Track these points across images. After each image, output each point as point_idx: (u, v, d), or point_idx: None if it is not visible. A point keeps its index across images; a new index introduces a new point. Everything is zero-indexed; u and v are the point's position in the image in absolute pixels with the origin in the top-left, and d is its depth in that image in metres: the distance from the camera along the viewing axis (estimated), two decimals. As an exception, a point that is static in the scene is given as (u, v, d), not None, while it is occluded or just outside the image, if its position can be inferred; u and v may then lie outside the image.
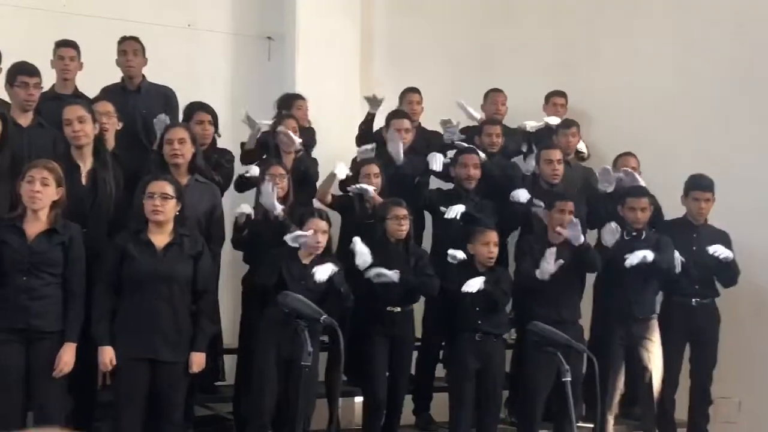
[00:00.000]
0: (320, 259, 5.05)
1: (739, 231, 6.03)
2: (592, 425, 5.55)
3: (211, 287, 4.81)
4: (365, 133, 6.54)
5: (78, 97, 5.61)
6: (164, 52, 6.50)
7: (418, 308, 5.75)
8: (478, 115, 6.76)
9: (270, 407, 4.98)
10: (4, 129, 4.76)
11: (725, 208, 6.04)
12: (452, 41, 7.75)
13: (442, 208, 5.87)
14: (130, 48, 6.02)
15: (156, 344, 4.54)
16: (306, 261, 5.06)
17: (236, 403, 5.56)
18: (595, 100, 7.27)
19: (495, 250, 5.49)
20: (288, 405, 4.91)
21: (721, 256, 5.80)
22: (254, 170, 5.67)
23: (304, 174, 5.84)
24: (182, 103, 6.04)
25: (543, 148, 6.33)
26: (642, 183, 6.05)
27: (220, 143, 6.01)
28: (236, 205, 5.54)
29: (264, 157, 5.91)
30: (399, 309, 5.44)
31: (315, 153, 6.39)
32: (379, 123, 6.55)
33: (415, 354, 5.88)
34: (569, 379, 4.13)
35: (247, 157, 6.11)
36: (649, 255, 5.59)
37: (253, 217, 5.36)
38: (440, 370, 6.01)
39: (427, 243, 6.17)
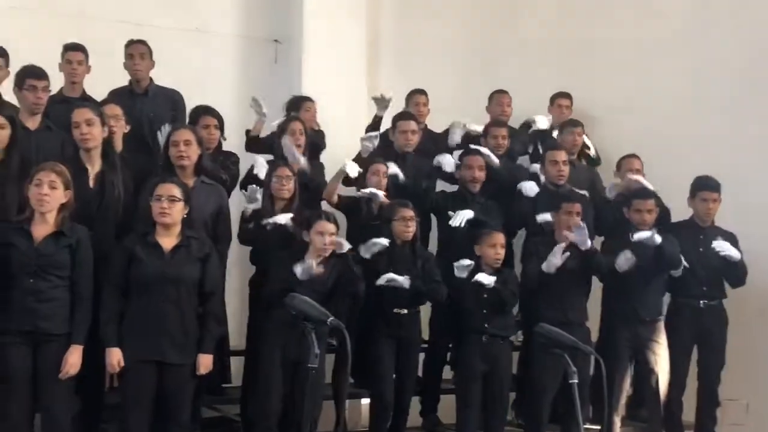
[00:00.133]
0: (327, 261, 5.05)
1: (745, 233, 6.02)
2: (599, 427, 5.55)
3: (218, 289, 4.82)
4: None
5: (86, 100, 5.63)
6: (172, 55, 6.53)
7: (425, 310, 5.75)
8: (480, 128, 6.71)
9: (276, 409, 4.99)
10: (14, 132, 4.78)
11: (732, 209, 6.03)
12: (458, 43, 7.77)
13: (450, 213, 5.86)
14: (137, 51, 6.05)
15: (163, 346, 4.55)
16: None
17: (243, 405, 5.57)
18: (601, 101, 7.26)
19: (502, 252, 5.50)
20: (295, 407, 4.92)
21: (721, 253, 5.78)
22: (260, 162, 5.65)
23: (306, 186, 5.77)
24: (189, 106, 6.07)
25: (548, 149, 6.34)
26: (649, 186, 6.02)
27: (228, 146, 6.03)
28: (241, 207, 5.53)
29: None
30: (406, 311, 5.45)
31: (321, 155, 6.39)
32: (386, 124, 6.55)
33: (422, 356, 5.89)
34: (576, 381, 4.12)
35: (252, 144, 6.13)
36: (657, 237, 5.58)
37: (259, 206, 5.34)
38: (447, 372, 6.02)
39: (432, 244, 6.18)
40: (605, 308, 5.94)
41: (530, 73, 7.44)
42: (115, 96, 5.84)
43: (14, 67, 5.35)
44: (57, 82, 5.62)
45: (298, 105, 6.42)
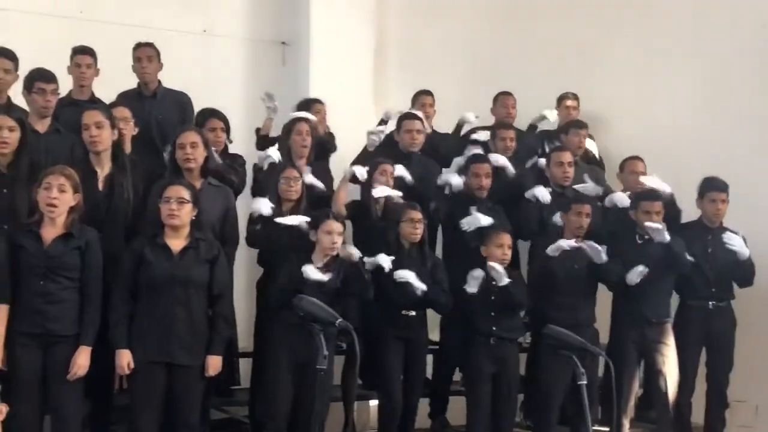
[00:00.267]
0: (334, 261, 5.06)
1: (752, 234, 6.00)
2: (607, 429, 5.54)
3: (226, 291, 4.83)
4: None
5: (94, 102, 5.65)
6: (180, 58, 6.55)
7: (433, 311, 5.74)
8: (485, 136, 6.68)
9: (285, 411, 4.99)
10: (23, 135, 4.79)
11: (739, 211, 6.02)
12: (465, 45, 7.78)
13: (462, 223, 5.76)
14: (144, 54, 6.07)
15: (172, 348, 4.56)
16: (320, 264, 5.06)
17: (252, 407, 5.58)
18: (607, 103, 7.26)
19: (509, 253, 5.49)
20: (303, 409, 4.92)
21: (731, 247, 5.76)
22: (272, 152, 5.67)
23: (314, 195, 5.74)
24: (197, 108, 6.08)
25: (553, 151, 6.33)
26: (667, 188, 5.93)
27: (235, 148, 6.04)
28: (249, 208, 5.52)
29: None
30: (413, 312, 5.46)
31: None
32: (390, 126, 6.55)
33: (429, 357, 5.89)
34: (585, 382, 4.11)
35: (262, 143, 6.15)
36: (667, 234, 5.57)
37: (271, 210, 5.34)
38: (457, 374, 6.01)
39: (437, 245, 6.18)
40: (613, 310, 5.93)
41: (535, 75, 7.44)
42: (124, 98, 5.87)
43: (23, 70, 5.37)
44: (65, 85, 5.64)
45: (308, 107, 6.41)
